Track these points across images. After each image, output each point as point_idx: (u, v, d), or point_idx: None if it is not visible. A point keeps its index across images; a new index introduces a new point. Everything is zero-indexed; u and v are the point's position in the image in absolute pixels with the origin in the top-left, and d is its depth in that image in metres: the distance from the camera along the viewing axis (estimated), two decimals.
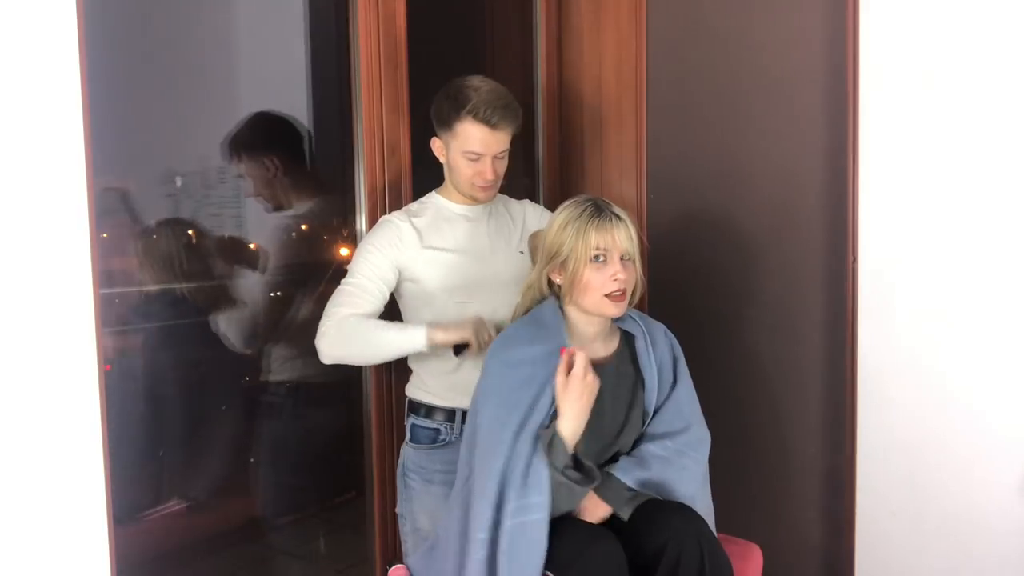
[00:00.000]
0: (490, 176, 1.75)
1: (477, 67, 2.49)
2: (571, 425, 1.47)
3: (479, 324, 1.69)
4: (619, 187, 2.40)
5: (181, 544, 1.99)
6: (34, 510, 1.25)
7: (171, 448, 1.97)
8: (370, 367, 1.93)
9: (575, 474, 1.45)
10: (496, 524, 1.46)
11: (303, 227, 2.11)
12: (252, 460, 2.14)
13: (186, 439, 2.00)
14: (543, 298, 1.62)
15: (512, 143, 1.80)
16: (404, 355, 1.75)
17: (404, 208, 1.86)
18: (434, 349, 1.71)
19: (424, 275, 1.76)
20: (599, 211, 1.55)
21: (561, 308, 1.60)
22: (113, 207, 1.76)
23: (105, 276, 1.68)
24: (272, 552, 2.20)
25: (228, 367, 2.06)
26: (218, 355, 2.02)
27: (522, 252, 1.84)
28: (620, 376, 1.61)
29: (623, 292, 1.54)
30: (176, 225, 1.94)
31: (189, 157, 1.96)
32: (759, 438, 2.16)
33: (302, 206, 2.10)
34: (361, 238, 1.95)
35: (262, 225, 2.11)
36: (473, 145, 1.73)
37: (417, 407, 1.83)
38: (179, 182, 1.94)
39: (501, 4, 2.60)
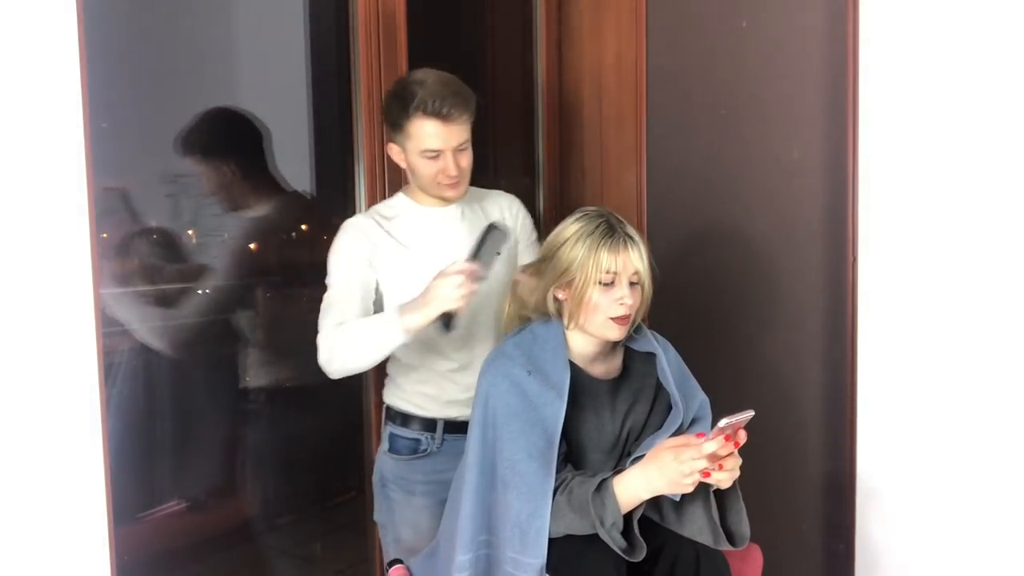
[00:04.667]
0: (454, 172, 1.64)
1: (477, 68, 2.50)
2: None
3: (443, 284, 1.50)
4: (619, 188, 2.40)
5: (181, 544, 1.99)
6: (34, 510, 1.25)
7: (171, 448, 1.97)
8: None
9: (621, 540, 1.37)
10: (483, 558, 1.46)
11: (261, 230, 2.02)
12: (252, 460, 2.14)
13: (186, 439, 2.00)
14: (546, 315, 1.56)
15: (474, 134, 1.68)
16: (392, 348, 1.60)
17: (371, 209, 1.76)
18: (419, 333, 1.57)
19: (396, 284, 1.68)
20: (612, 231, 1.48)
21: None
22: (113, 207, 1.76)
23: (106, 276, 1.68)
24: (272, 552, 2.20)
25: (228, 367, 2.06)
26: (217, 355, 2.02)
27: (499, 253, 1.66)
28: (621, 391, 1.58)
29: (627, 316, 1.49)
30: (151, 232, 1.91)
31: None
32: (759, 438, 2.16)
33: (261, 208, 2.00)
34: None
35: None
36: (429, 142, 1.61)
37: (393, 415, 1.76)
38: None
39: (501, 4, 2.60)
